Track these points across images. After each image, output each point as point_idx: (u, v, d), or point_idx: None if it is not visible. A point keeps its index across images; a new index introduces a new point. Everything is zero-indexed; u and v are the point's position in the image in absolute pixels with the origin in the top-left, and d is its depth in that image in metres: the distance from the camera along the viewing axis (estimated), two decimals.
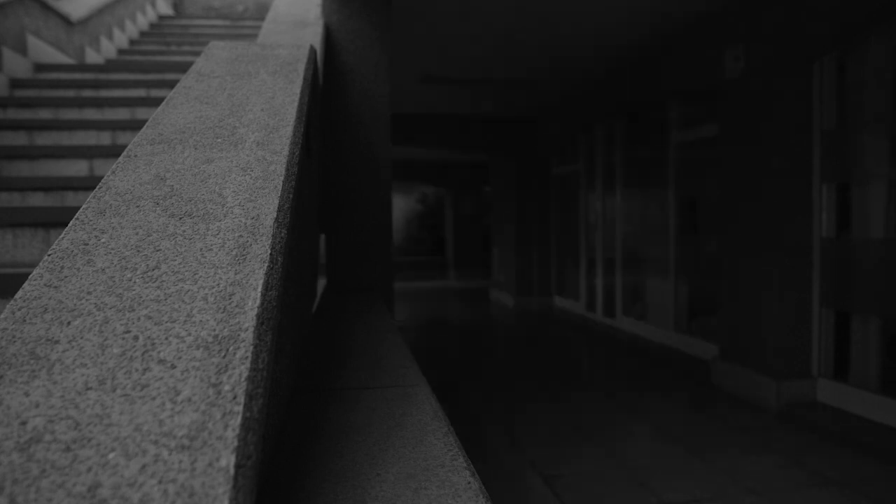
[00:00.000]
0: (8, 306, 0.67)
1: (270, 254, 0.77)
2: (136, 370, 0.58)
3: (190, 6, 7.52)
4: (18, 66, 3.49)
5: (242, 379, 0.57)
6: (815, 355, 3.31)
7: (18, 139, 2.63)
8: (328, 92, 2.81)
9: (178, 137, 1.09)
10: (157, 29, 5.92)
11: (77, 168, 2.39)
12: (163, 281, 0.72)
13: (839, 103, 3.19)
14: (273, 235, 0.81)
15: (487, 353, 5.05)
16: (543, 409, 3.40)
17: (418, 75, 5.35)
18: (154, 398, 0.55)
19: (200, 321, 0.65)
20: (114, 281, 0.71)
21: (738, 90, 3.58)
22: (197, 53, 4.57)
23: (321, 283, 2.95)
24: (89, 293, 0.69)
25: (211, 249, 0.78)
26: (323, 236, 2.83)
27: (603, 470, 2.54)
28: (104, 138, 2.69)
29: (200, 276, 0.73)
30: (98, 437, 0.51)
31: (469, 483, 0.70)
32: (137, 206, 0.87)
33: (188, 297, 0.69)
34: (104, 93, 3.35)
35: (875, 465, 2.54)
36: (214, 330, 0.64)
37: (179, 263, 0.75)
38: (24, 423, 0.52)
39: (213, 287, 0.71)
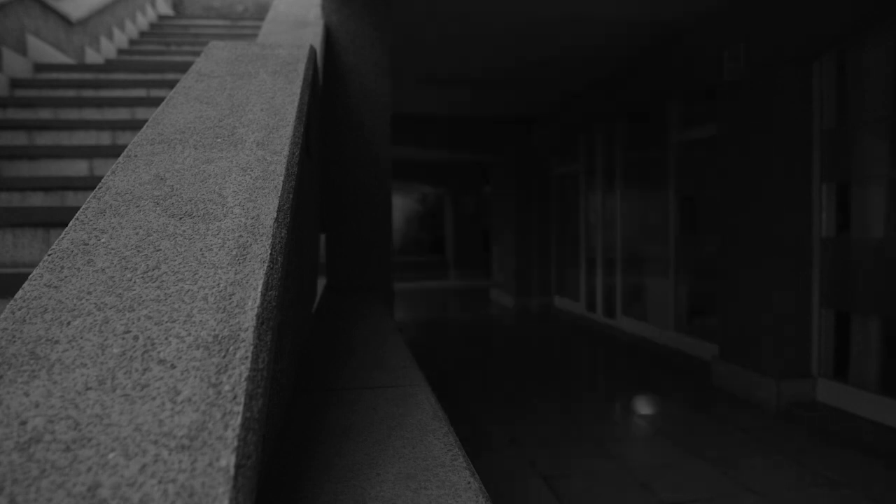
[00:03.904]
0: (8, 306, 0.67)
1: (270, 254, 0.77)
2: (136, 370, 0.58)
3: (190, 6, 7.51)
4: (18, 66, 3.49)
5: (242, 379, 0.57)
6: (815, 355, 3.31)
7: (18, 139, 2.63)
8: (328, 92, 2.81)
9: (178, 137, 1.09)
10: (157, 29, 5.92)
11: (77, 168, 2.38)
12: (163, 281, 0.72)
13: (839, 103, 3.19)
14: (273, 235, 0.81)
15: (487, 353, 5.05)
16: (543, 409, 3.40)
17: (418, 75, 5.35)
18: (154, 398, 0.55)
19: (200, 321, 0.65)
20: (114, 281, 0.71)
21: (737, 90, 3.58)
22: (197, 53, 4.57)
23: (321, 283, 2.95)
24: (89, 293, 0.69)
25: (211, 249, 0.78)
26: (323, 236, 2.83)
27: (603, 470, 2.54)
28: (104, 138, 2.69)
29: (200, 276, 0.73)
30: (98, 437, 0.51)
31: (469, 483, 0.70)
32: (137, 206, 0.87)
33: (188, 297, 0.69)
34: (104, 93, 3.35)
35: (875, 465, 2.54)
36: (214, 330, 0.64)
37: (179, 263, 0.75)
38: (24, 423, 0.52)
39: (213, 287, 0.71)
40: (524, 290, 7.61)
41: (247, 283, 0.71)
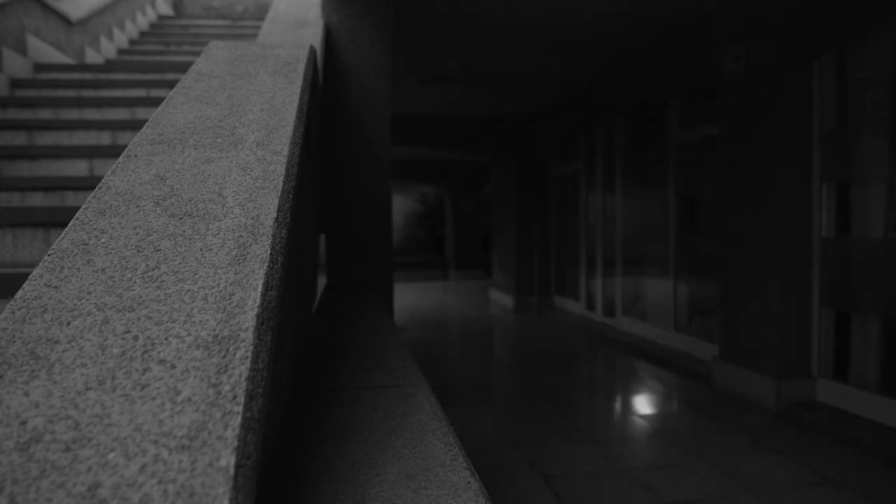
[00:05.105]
0: (8, 306, 0.67)
1: (270, 254, 0.77)
2: (136, 370, 0.58)
3: (190, 6, 7.51)
4: (18, 66, 3.49)
5: (242, 379, 0.57)
6: (815, 355, 3.31)
7: (18, 139, 2.63)
8: (328, 92, 2.80)
9: (178, 137, 1.09)
10: (157, 29, 5.92)
11: (77, 168, 2.38)
12: (163, 281, 0.72)
13: (839, 103, 3.19)
14: (273, 235, 0.81)
15: (487, 353, 5.05)
16: (543, 409, 3.39)
17: (418, 75, 5.35)
18: (154, 398, 0.55)
19: (200, 321, 0.65)
20: (114, 281, 0.71)
21: (737, 90, 3.58)
22: (197, 53, 4.57)
23: (321, 283, 2.95)
24: (89, 293, 0.69)
25: (211, 249, 0.78)
26: (323, 236, 2.83)
27: (603, 470, 2.54)
28: (104, 138, 2.69)
29: (200, 276, 0.73)
30: (98, 437, 0.51)
31: (469, 483, 0.70)
32: (137, 206, 0.87)
33: (188, 297, 0.69)
34: (104, 93, 3.35)
35: (875, 465, 2.54)
36: (214, 330, 0.64)
37: (179, 263, 0.75)
38: (24, 423, 0.52)
39: (213, 287, 0.71)
40: (524, 289, 7.61)
41: (247, 283, 0.71)
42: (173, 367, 0.59)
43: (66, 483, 0.47)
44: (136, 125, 2.67)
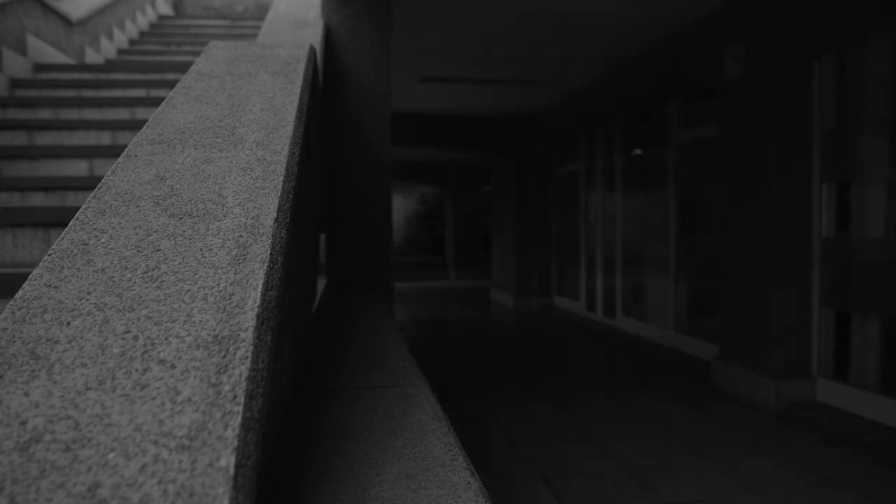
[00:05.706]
0: (8, 306, 0.67)
1: (270, 254, 0.77)
2: (136, 370, 0.58)
3: (190, 6, 7.52)
4: (18, 66, 3.49)
5: (242, 379, 0.57)
6: (815, 355, 3.30)
7: (18, 139, 2.63)
8: (328, 92, 2.81)
9: (178, 137, 1.09)
10: (157, 29, 5.92)
11: (77, 168, 2.39)
12: (163, 281, 0.72)
13: (839, 103, 3.19)
14: (273, 235, 0.81)
15: (487, 354, 5.05)
16: (544, 410, 3.40)
17: (418, 75, 5.35)
18: (154, 398, 0.55)
19: (200, 321, 0.65)
20: (114, 281, 0.71)
21: (737, 90, 3.58)
22: (197, 53, 4.57)
23: (321, 283, 2.95)
24: (89, 293, 0.69)
25: (211, 249, 0.78)
26: (323, 236, 2.83)
27: (603, 470, 2.54)
28: (104, 138, 2.69)
29: (200, 276, 0.73)
30: (98, 437, 0.51)
31: (469, 483, 0.70)
32: (137, 206, 0.87)
33: (188, 297, 0.69)
34: (104, 93, 3.35)
35: (875, 465, 2.54)
36: (214, 330, 0.64)
37: (179, 263, 0.75)
38: (24, 423, 0.52)
39: (213, 287, 0.71)
40: (524, 290, 7.61)
41: (247, 283, 0.71)
42: (173, 367, 0.59)
43: (66, 483, 0.47)
44: (136, 125, 2.67)
